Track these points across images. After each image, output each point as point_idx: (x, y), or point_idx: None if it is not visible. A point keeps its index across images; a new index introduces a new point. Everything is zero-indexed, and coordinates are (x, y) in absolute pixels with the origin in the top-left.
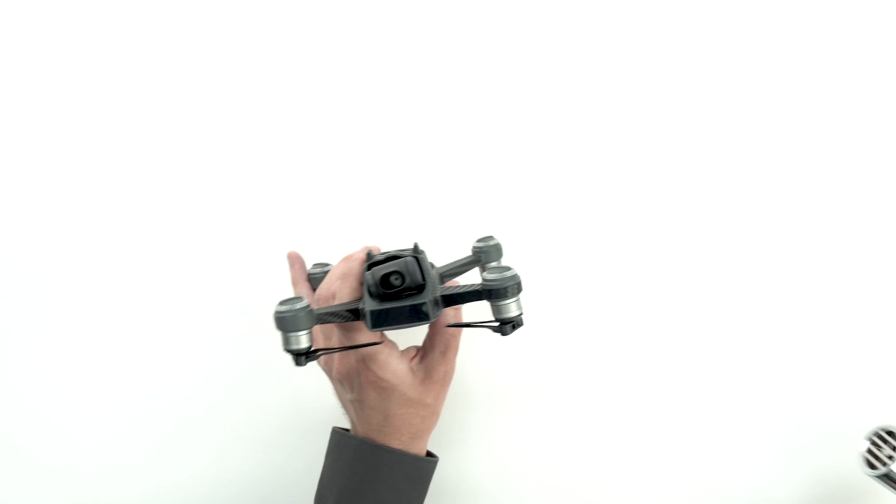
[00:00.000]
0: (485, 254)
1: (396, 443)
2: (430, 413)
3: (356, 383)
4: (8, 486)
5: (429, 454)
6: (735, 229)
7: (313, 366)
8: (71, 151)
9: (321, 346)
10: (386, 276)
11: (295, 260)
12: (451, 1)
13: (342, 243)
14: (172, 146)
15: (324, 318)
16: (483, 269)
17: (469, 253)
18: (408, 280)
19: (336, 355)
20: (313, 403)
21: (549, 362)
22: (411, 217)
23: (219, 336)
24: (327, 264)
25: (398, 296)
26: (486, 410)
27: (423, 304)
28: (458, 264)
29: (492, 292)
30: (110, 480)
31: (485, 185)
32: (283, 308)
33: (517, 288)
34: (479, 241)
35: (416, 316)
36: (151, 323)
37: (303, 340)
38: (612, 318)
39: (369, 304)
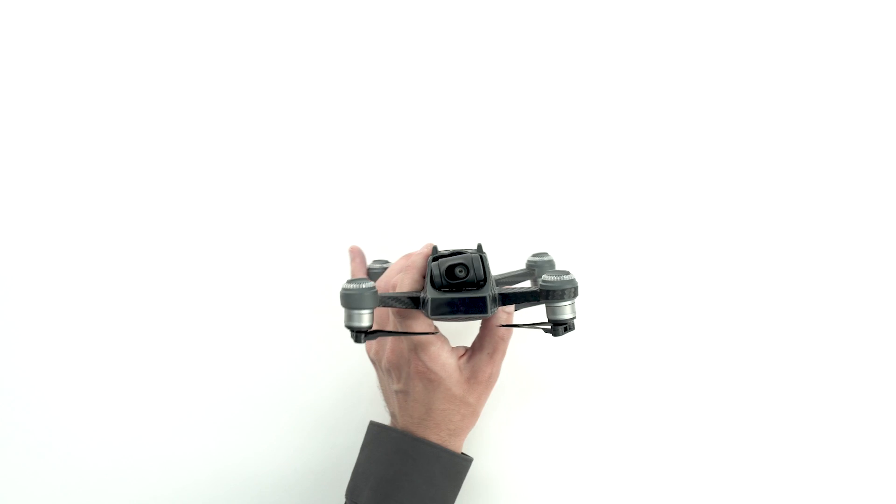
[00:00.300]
0: (538, 267)
1: (435, 437)
2: (471, 413)
3: (405, 373)
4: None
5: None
6: (798, 249)
7: (352, 364)
8: (121, 151)
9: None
10: (451, 268)
11: (356, 254)
12: (524, 25)
13: (401, 244)
14: (230, 147)
15: (386, 301)
16: (535, 282)
17: (523, 266)
18: (471, 273)
19: (389, 345)
20: (348, 400)
21: (587, 372)
22: (471, 229)
23: (267, 331)
24: (386, 261)
25: (459, 288)
26: (519, 413)
27: (484, 297)
28: (512, 274)
29: (549, 293)
30: (153, 469)
31: (540, 208)
32: (351, 286)
33: (574, 292)
34: (533, 255)
35: (475, 308)
36: (204, 320)
37: (364, 318)
38: (661, 334)
39: (431, 293)
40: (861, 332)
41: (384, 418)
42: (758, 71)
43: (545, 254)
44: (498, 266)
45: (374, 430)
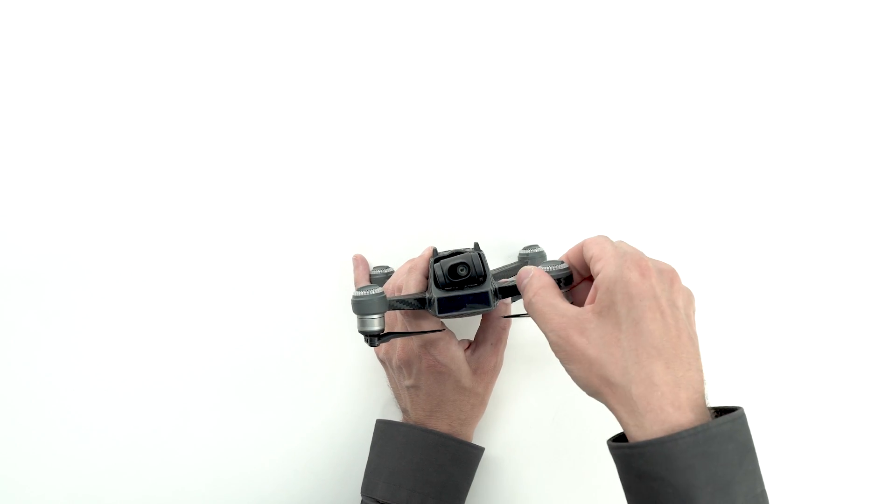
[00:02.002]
0: (531, 259)
1: (446, 427)
2: (479, 402)
3: (416, 368)
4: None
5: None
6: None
7: (358, 368)
8: (128, 151)
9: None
10: (453, 267)
11: (359, 262)
12: (529, 26)
13: (402, 248)
14: (243, 152)
15: (394, 304)
16: None
17: (516, 260)
18: (472, 271)
19: (399, 343)
20: (356, 402)
21: None
22: (465, 228)
23: (281, 333)
24: (387, 266)
25: (462, 286)
26: (523, 399)
27: (486, 292)
28: (507, 267)
29: None
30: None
31: (529, 204)
32: (361, 293)
33: (569, 279)
34: (525, 248)
35: (478, 303)
36: (211, 325)
37: (376, 323)
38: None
39: (436, 293)
40: (846, 315)
41: (391, 419)
42: (744, 66)
43: (536, 246)
44: (492, 260)
45: (382, 426)
